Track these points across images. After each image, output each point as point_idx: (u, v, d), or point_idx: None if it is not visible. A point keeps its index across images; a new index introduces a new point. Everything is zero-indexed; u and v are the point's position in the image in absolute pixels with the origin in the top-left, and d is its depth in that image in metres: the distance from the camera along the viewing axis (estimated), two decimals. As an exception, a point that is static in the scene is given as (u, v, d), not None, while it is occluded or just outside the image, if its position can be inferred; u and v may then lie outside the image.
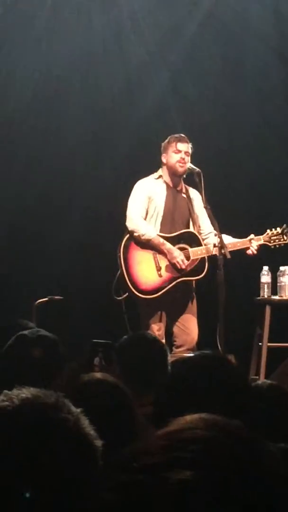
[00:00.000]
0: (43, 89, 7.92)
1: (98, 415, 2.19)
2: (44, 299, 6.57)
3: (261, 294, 6.66)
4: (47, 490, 1.42)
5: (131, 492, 0.77)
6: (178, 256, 6.16)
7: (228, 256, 6.04)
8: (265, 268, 6.64)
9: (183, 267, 6.16)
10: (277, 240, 6.48)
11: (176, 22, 8.07)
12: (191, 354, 4.85)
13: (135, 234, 6.20)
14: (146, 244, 6.21)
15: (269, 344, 6.57)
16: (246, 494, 0.76)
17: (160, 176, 6.43)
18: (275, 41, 8.06)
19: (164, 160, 6.40)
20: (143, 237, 6.19)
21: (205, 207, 6.25)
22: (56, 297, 6.67)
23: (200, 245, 6.30)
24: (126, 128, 7.85)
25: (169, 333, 6.23)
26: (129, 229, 6.22)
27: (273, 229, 6.51)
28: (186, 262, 6.19)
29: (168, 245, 6.19)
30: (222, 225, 6.26)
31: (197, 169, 6.28)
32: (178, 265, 6.17)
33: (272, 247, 6.46)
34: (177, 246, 6.27)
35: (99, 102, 7.93)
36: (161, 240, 6.20)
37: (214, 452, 0.79)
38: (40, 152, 7.84)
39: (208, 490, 0.75)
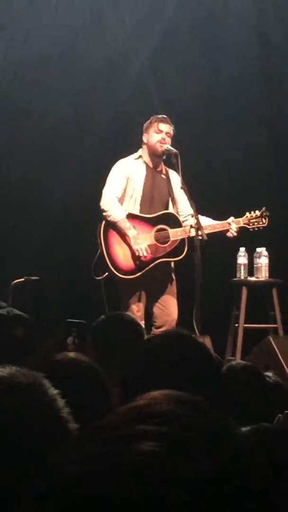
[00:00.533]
0: (24, 67, 7.89)
1: (71, 395, 2.18)
2: (20, 280, 6.54)
3: (238, 275, 6.68)
4: (16, 470, 1.41)
5: (94, 464, 0.77)
6: (139, 243, 6.13)
7: (205, 237, 6.04)
8: (242, 249, 6.65)
9: (145, 255, 6.12)
10: (256, 223, 6.48)
11: (156, 4, 8.06)
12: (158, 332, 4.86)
13: (103, 213, 6.18)
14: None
15: (245, 325, 6.60)
16: (208, 468, 0.76)
17: (140, 156, 6.41)
18: (253, 20, 8.04)
19: (144, 139, 6.38)
20: (109, 218, 6.17)
21: (182, 188, 6.23)
22: (33, 278, 6.64)
23: (180, 226, 6.28)
24: (107, 107, 7.86)
25: (149, 314, 6.23)
26: (100, 208, 6.20)
27: (252, 212, 6.50)
28: (149, 251, 6.14)
29: (132, 231, 6.15)
30: (201, 207, 6.26)
31: (175, 150, 6.25)
32: (137, 253, 6.13)
33: (251, 229, 6.47)
34: (157, 227, 6.25)
35: (79, 81, 7.92)
36: (128, 224, 6.16)
37: (177, 426, 0.80)
38: (20, 130, 7.82)
39: (171, 463, 0.76)
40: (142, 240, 6.18)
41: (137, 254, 6.13)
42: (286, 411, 2.33)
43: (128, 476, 0.76)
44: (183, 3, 8.01)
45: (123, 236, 6.19)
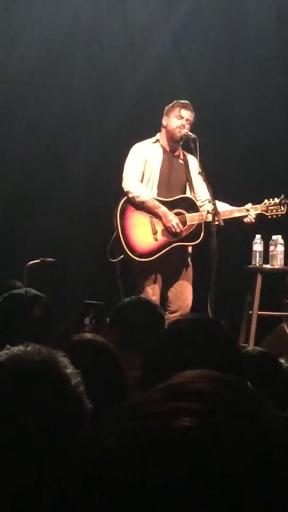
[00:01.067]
0: (47, 49, 7.91)
1: (88, 374, 2.19)
2: (35, 261, 6.55)
3: (253, 263, 6.67)
4: (32, 444, 1.42)
5: (135, 438, 0.79)
6: (172, 219, 6.14)
7: (221, 223, 6.03)
8: (258, 236, 6.64)
9: (178, 231, 6.14)
10: (274, 211, 6.48)
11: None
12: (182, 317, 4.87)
13: (130, 195, 6.17)
14: (142, 207, 6.17)
15: (259, 312, 6.60)
16: (245, 443, 0.78)
17: (157, 140, 6.40)
18: (276, 1, 7.98)
19: (164, 123, 6.37)
20: (137, 199, 6.17)
21: (200, 173, 6.21)
22: (48, 259, 6.65)
23: (197, 211, 6.28)
24: (129, 88, 7.84)
25: (163, 298, 6.22)
26: (125, 190, 6.19)
27: (271, 199, 6.49)
28: (181, 227, 6.16)
29: (162, 208, 6.16)
30: (219, 193, 6.25)
31: (193, 135, 6.24)
32: (172, 229, 6.14)
33: (269, 217, 6.46)
34: (174, 211, 6.24)
35: (102, 63, 7.90)
36: (156, 203, 6.18)
37: (218, 403, 0.81)
38: (42, 112, 7.85)
39: (208, 438, 0.77)
40: (160, 223, 6.18)
41: (172, 230, 6.12)
42: None
43: (166, 451, 0.77)
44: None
45: (142, 216, 6.18)
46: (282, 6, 8.01)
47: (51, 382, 1.56)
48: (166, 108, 6.41)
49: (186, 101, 6.38)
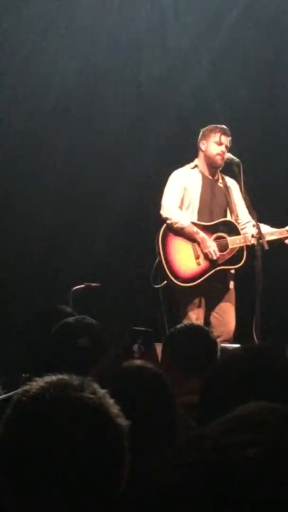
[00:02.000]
0: (86, 77, 8.00)
1: (139, 401, 2.20)
2: (81, 286, 6.60)
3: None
4: (71, 463, 1.45)
5: (200, 471, 0.80)
6: (210, 246, 6.15)
7: (266, 247, 6.03)
8: (303, 259, 6.59)
9: (215, 257, 6.14)
10: None
11: (218, 9, 8.09)
12: (235, 345, 4.85)
13: (168, 221, 6.21)
14: (183, 233, 6.20)
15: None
16: None
17: (196, 166, 6.41)
18: None
19: (202, 147, 6.37)
20: (176, 225, 6.19)
21: (244, 198, 6.22)
22: (93, 284, 6.69)
23: (238, 234, 6.28)
24: (167, 115, 7.87)
25: (206, 323, 6.22)
26: (163, 216, 6.23)
27: None
28: (218, 253, 6.16)
29: (201, 234, 6.18)
30: (260, 214, 6.23)
31: (237, 160, 6.25)
32: (210, 255, 6.14)
33: None
34: (216, 234, 6.25)
35: (141, 89, 7.95)
36: (195, 229, 6.20)
37: (279, 435, 0.82)
38: (81, 139, 7.91)
39: (273, 468, 0.79)
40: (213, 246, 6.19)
41: (210, 256, 6.13)
42: None
43: (234, 481, 0.79)
44: (245, 9, 8.00)
45: (184, 242, 6.20)
46: None
47: (90, 402, 1.59)
48: (203, 130, 6.41)
49: (225, 127, 6.37)
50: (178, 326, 3.78)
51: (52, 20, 8.01)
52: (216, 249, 6.19)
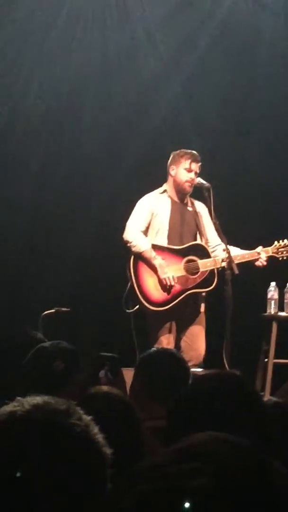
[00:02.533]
0: (58, 100, 8.02)
1: (104, 427, 2.21)
2: (51, 311, 6.59)
3: (268, 310, 6.69)
4: (56, 493, 1.44)
5: (150, 500, 0.81)
6: (167, 272, 6.15)
7: (236, 271, 6.06)
8: (273, 284, 6.67)
9: (170, 284, 6.14)
10: (285, 252, 6.48)
11: (190, 33, 8.20)
12: (203, 370, 4.87)
13: (127, 245, 6.22)
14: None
15: (275, 360, 6.61)
16: (257, 508, 0.80)
17: (165, 191, 6.43)
18: (285, 49, 8.12)
19: (172, 172, 6.40)
20: (133, 249, 6.21)
21: (214, 222, 6.26)
22: (63, 309, 6.69)
23: (208, 257, 6.31)
24: (139, 140, 7.93)
25: (176, 347, 6.22)
26: (124, 240, 6.24)
27: (281, 241, 6.50)
28: (174, 281, 6.16)
29: (158, 260, 6.19)
30: (230, 237, 6.27)
31: (207, 184, 6.29)
32: (165, 282, 6.15)
33: (280, 258, 6.46)
34: (186, 258, 6.28)
35: (113, 113, 8.01)
36: (153, 254, 6.20)
37: (226, 464, 0.84)
38: (53, 163, 7.93)
39: (219, 499, 0.80)
40: (172, 272, 6.20)
41: (164, 283, 6.15)
42: None
43: (181, 511, 0.80)
44: (217, 33, 8.11)
45: (152, 267, 6.21)
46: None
47: (76, 429, 1.58)
48: (174, 154, 6.43)
49: (195, 152, 6.41)
50: (150, 351, 3.79)
51: (25, 41, 8.05)
52: (172, 276, 6.18)
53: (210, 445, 0.89)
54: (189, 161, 6.34)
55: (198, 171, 6.35)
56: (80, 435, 1.53)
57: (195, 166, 6.34)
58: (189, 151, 6.41)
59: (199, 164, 6.35)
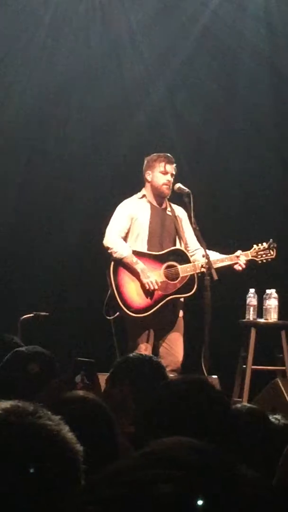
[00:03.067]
0: (41, 104, 8.04)
1: (80, 432, 2.22)
2: (29, 315, 6.58)
3: (247, 317, 6.72)
4: (29, 493, 1.45)
5: (114, 506, 0.82)
6: (150, 276, 6.16)
7: (215, 277, 6.08)
8: (252, 290, 6.70)
9: (153, 288, 6.15)
10: (264, 255, 6.51)
11: (173, 38, 8.26)
12: (175, 376, 4.88)
13: (108, 251, 6.22)
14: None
15: (253, 366, 6.64)
16: None
17: (144, 196, 6.43)
18: (267, 54, 8.20)
19: (148, 177, 6.40)
20: (115, 255, 6.22)
21: (194, 228, 6.27)
22: (42, 313, 6.68)
23: (188, 262, 6.32)
24: (123, 142, 7.97)
25: (154, 353, 6.23)
26: (104, 246, 6.24)
27: (260, 244, 6.52)
28: (157, 286, 6.17)
29: (140, 265, 6.20)
30: (209, 241, 6.29)
31: (187, 190, 6.31)
32: (148, 286, 6.16)
33: (260, 262, 6.49)
34: (166, 263, 6.29)
35: (96, 117, 8.03)
36: (135, 259, 6.21)
37: (191, 470, 0.84)
38: (35, 166, 7.93)
39: (185, 506, 0.80)
40: (154, 278, 6.21)
41: (147, 287, 6.16)
42: None
43: None
44: (199, 38, 8.18)
45: (133, 273, 6.22)
46: (274, 59, 8.18)
47: (48, 428, 1.59)
48: (147, 160, 6.44)
49: (168, 154, 6.43)
50: (128, 356, 3.80)
51: (10, 45, 8.06)
52: (154, 280, 6.19)
53: (176, 450, 0.89)
54: (163, 163, 6.36)
55: (174, 172, 6.37)
56: (51, 434, 1.54)
57: (170, 168, 6.36)
58: (162, 154, 6.42)
59: (174, 165, 6.38)
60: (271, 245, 6.52)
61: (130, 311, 6.18)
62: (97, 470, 1.97)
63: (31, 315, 6.62)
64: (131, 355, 3.91)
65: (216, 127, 8.14)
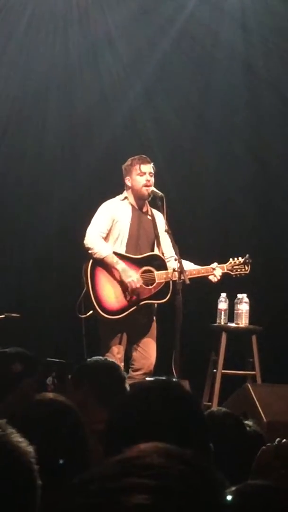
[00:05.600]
0: (18, 104, 8.05)
1: (50, 434, 2.16)
2: (0, 316, 6.50)
3: (218, 321, 6.73)
4: None
5: None
6: (131, 276, 6.14)
7: (187, 281, 6.05)
8: (223, 295, 6.71)
9: (135, 287, 6.12)
10: (238, 270, 6.53)
11: (150, 38, 8.33)
12: (148, 379, 4.83)
13: (89, 251, 6.18)
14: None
15: (223, 371, 6.66)
16: None
17: (126, 198, 6.42)
18: (243, 54, 8.22)
19: (128, 183, 6.40)
20: (95, 255, 6.19)
21: (167, 231, 6.24)
22: (13, 314, 6.60)
23: (165, 268, 6.31)
24: (100, 143, 7.99)
25: (127, 356, 6.20)
26: (85, 246, 6.21)
27: (236, 259, 6.53)
28: (139, 285, 6.14)
29: (122, 265, 6.19)
30: (186, 252, 6.28)
31: (160, 193, 6.31)
32: (129, 286, 6.12)
33: (234, 276, 6.49)
34: (143, 268, 6.26)
35: (74, 117, 8.05)
36: (115, 259, 6.20)
37: (168, 479, 0.79)
38: (13, 165, 7.91)
39: None
40: (134, 276, 6.17)
41: (130, 286, 6.11)
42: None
43: None
44: (177, 39, 8.23)
45: (111, 274, 6.17)
46: (250, 59, 8.19)
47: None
48: (124, 167, 6.47)
49: (142, 155, 6.43)
50: (90, 359, 3.74)
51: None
52: (136, 279, 6.16)
53: (150, 457, 0.84)
54: (138, 165, 6.37)
55: (152, 171, 6.36)
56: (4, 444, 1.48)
57: (146, 167, 6.35)
58: (136, 156, 6.42)
59: (151, 164, 6.38)
60: (247, 260, 6.57)
61: (103, 312, 6.17)
62: (67, 472, 1.89)
63: (2, 316, 6.55)
64: (88, 360, 3.86)
65: (193, 126, 8.14)
